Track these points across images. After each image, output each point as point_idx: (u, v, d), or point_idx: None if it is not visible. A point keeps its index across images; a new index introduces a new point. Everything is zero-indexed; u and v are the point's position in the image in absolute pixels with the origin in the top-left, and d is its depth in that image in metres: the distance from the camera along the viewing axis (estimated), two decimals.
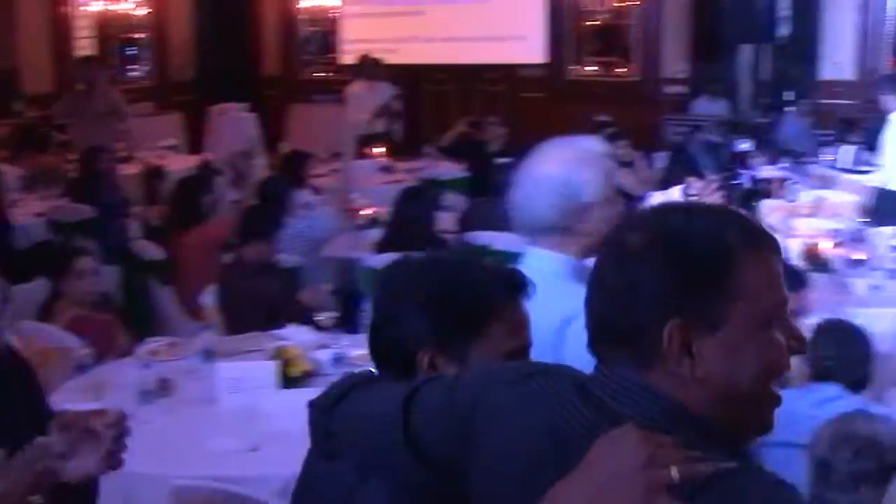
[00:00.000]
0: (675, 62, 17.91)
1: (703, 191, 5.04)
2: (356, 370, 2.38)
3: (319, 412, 2.15)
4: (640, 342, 1.68)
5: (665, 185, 9.81)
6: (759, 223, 1.76)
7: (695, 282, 1.66)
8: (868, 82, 17.07)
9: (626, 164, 10.30)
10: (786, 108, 15.67)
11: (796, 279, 4.48)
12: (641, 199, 9.54)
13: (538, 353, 2.85)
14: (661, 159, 11.77)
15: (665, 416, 1.66)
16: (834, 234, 7.01)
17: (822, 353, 3.96)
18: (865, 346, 4.05)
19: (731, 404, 1.68)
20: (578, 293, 2.87)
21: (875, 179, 8.95)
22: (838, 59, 16.82)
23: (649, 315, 1.67)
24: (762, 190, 4.93)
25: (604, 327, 1.77)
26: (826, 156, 11.22)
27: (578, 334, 2.74)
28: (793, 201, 6.84)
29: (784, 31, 14.76)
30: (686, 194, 5.28)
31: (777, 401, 1.74)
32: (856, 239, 6.87)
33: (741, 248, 1.68)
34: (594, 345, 1.80)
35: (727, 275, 1.65)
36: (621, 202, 2.96)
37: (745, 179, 4.92)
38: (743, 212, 1.79)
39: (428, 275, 2.30)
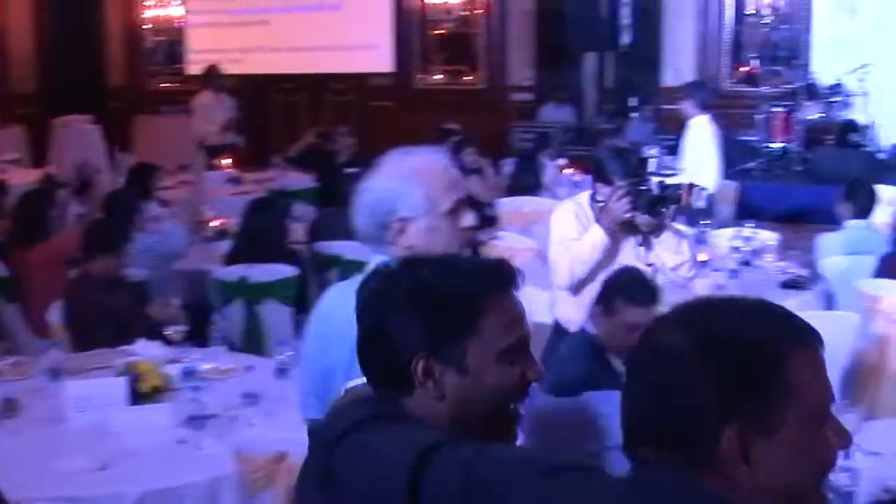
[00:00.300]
0: (520, 70, 18.15)
1: (609, 197, 5.09)
2: (353, 385, 2.28)
3: (321, 445, 2.02)
4: (694, 447, 1.65)
5: (513, 191, 9.96)
6: (800, 318, 1.75)
7: (749, 386, 1.64)
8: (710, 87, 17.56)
9: (475, 172, 10.41)
10: (630, 114, 16.01)
11: (650, 295, 4.57)
12: (491, 206, 9.67)
13: None
14: (509, 166, 11.93)
15: None
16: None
17: None
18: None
19: None
20: None
21: (678, 181, 9.26)
22: (680, 66, 17.24)
23: (704, 421, 1.64)
24: (671, 196, 4.99)
25: (650, 429, 1.71)
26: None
27: None
28: (700, 207, 6.96)
29: (627, 39, 15.06)
30: (594, 200, 5.33)
31: (825, 500, 1.73)
32: (698, 241, 7.04)
33: (790, 347, 1.67)
34: (633, 446, 1.75)
35: (780, 377, 1.64)
36: (464, 213, 2.94)
37: (652, 186, 4.97)
38: (775, 304, 1.77)
39: (409, 278, 2.10)
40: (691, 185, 5.67)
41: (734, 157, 14.91)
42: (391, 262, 2.21)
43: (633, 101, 16.41)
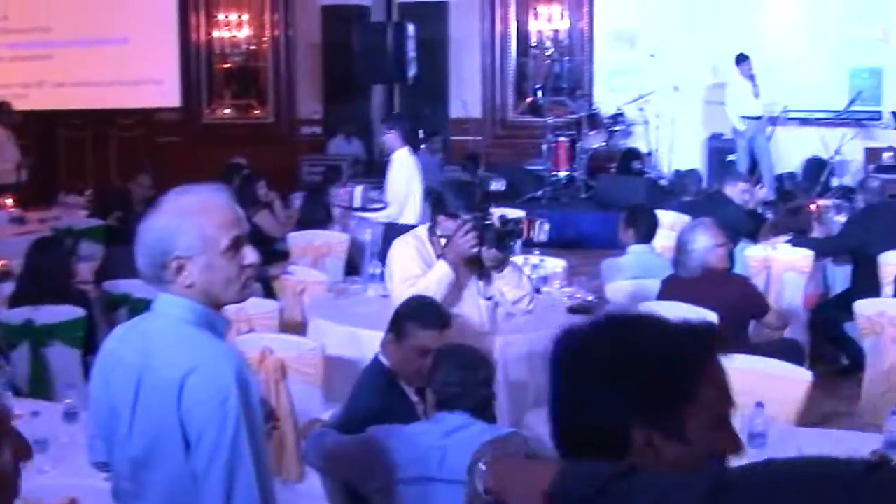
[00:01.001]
0: (309, 103, 18.16)
1: (455, 231, 5.07)
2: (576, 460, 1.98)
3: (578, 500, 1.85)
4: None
5: (303, 225, 9.91)
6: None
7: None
8: (494, 119, 17.91)
9: (265, 206, 10.35)
10: (419, 146, 16.14)
11: (440, 319, 4.60)
12: (282, 240, 9.61)
13: (156, 403, 2.79)
14: (299, 199, 11.87)
15: None
16: None
17: (444, 379, 4.05)
18: (486, 369, 4.16)
19: None
20: (204, 343, 2.84)
21: (382, 216, 9.43)
22: (466, 98, 17.49)
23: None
24: (515, 230, 5.01)
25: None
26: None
27: (195, 388, 2.75)
28: (543, 242, 7.05)
29: (413, 71, 15.21)
30: (433, 234, 5.30)
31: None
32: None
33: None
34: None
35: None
36: (245, 250, 2.91)
37: (495, 219, 4.97)
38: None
39: (614, 341, 1.93)
40: (531, 220, 5.69)
41: (521, 186, 15.23)
42: (585, 323, 2.02)
43: (421, 133, 16.55)
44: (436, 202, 5.43)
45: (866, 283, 8.25)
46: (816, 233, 9.23)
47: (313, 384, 5.76)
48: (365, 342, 5.83)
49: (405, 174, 9.30)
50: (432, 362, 4.18)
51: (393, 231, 9.08)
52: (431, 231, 5.39)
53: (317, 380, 5.76)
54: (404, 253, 5.38)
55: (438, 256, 5.22)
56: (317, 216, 9.97)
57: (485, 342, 5.36)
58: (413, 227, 9.03)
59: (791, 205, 9.54)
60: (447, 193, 5.33)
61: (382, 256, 8.84)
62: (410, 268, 5.27)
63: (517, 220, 5.31)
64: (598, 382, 1.91)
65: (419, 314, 4.61)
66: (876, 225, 8.63)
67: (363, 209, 10.33)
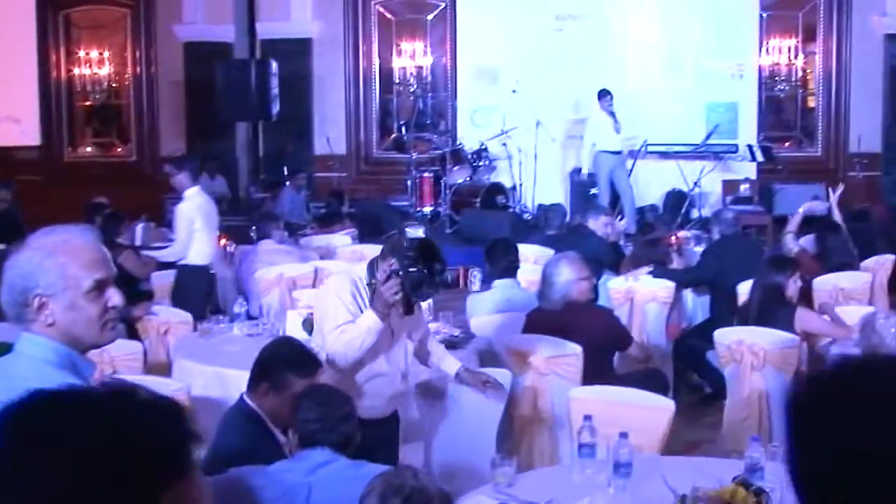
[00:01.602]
0: (172, 141, 17.96)
1: (380, 280, 5.01)
2: None
3: None
4: None
5: (168, 264, 9.74)
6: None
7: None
8: (358, 156, 17.94)
9: (129, 246, 10.15)
10: (284, 183, 16.08)
11: (315, 364, 4.56)
12: (146, 280, 9.44)
13: None
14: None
15: None
16: None
17: (304, 417, 4.03)
18: (346, 406, 4.14)
19: None
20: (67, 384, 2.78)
21: (166, 254, 9.43)
22: (330, 135, 17.48)
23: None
24: (442, 281, 4.96)
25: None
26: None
27: None
28: (477, 291, 6.92)
29: (277, 109, 15.14)
30: (371, 279, 5.23)
31: None
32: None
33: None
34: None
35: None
36: (110, 292, 2.86)
37: (422, 267, 4.91)
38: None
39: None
40: (467, 269, 5.63)
41: (386, 222, 15.22)
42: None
43: (286, 170, 16.50)
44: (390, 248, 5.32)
45: (724, 312, 8.43)
46: (676, 264, 9.42)
47: None
48: (231, 382, 5.76)
49: (191, 214, 9.25)
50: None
51: (184, 273, 9.09)
52: (371, 273, 5.29)
53: None
54: (337, 297, 5.22)
55: (370, 304, 5.12)
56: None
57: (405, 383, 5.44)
58: (202, 267, 9.08)
59: (649, 237, 9.73)
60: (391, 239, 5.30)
61: (175, 299, 8.85)
62: (341, 314, 5.12)
63: (451, 270, 5.23)
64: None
65: (297, 364, 4.57)
66: (730, 255, 8.84)
67: (145, 247, 10.27)
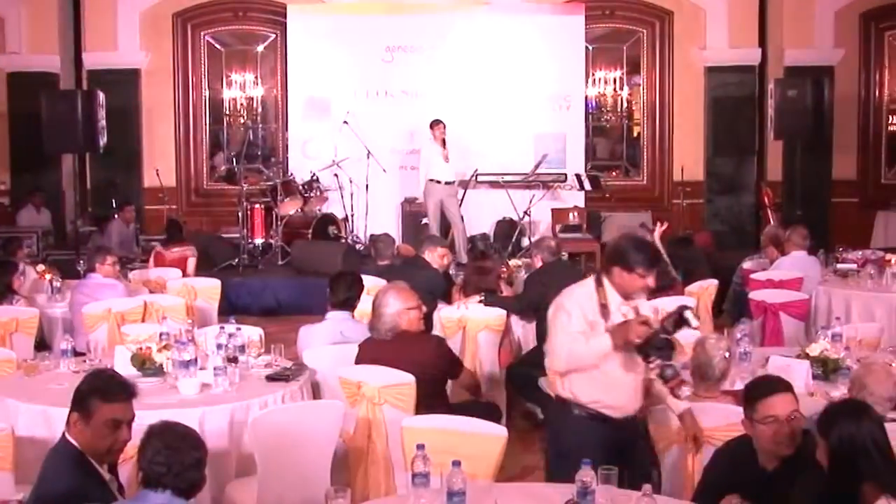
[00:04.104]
0: None
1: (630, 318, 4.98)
2: None
3: None
4: None
5: None
6: None
7: None
8: (189, 187, 17.74)
9: None
10: (113, 216, 15.79)
11: (128, 390, 4.45)
12: None
13: None
14: None
15: None
16: (162, 337, 7.10)
17: (152, 457, 3.92)
18: (197, 451, 4.05)
19: None
20: None
21: None
22: (159, 166, 17.26)
23: None
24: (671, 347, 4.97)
25: None
26: None
27: None
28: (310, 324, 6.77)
29: (104, 140, 14.79)
30: (600, 284, 5.20)
31: None
32: (182, 341, 6.96)
33: None
34: None
35: None
36: None
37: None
38: None
39: None
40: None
41: (217, 254, 15.05)
42: None
43: (114, 203, 16.20)
44: (613, 254, 5.33)
45: None
46: (506, 292, 9.52)
47: (2, 468, 5.48)
48: (57, 420, 5.59)
49: None
50: (144, 437, 4.04)
51: None
52: (598, 282, 5.31)
53: (6, 463, 5.48)
54: (578, 304, 5.30)
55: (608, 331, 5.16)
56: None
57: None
58: None
59: (476, 264, 9.78)
60: (628, 247, 5.26)
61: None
62: (578, 323, 5.22)
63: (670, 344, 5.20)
64: None
65: (101, 388, 4.44)
66: (552, 280, 8.97)
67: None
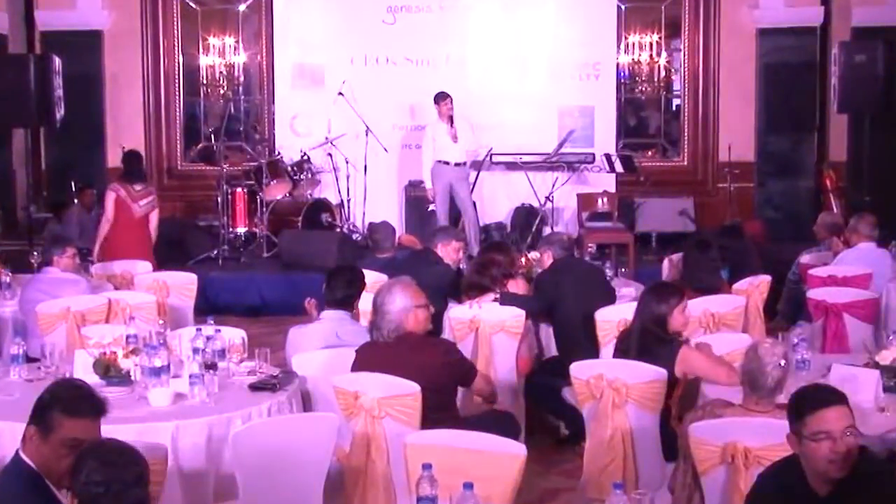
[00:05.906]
0: None
1: None
2: None
3: None
4: None
5: None
6: None
7: None
8: (160, 168, 17.73)
9: None
10: (73, 201, 15.77)
11: (97, 406, 4.45)
12: None
13: None
14: None
15: None
16: (129, 340, 7.10)
17: (87, 479, 3.90)
18: (137, 467, 4.04)
19: None
20: None
21: None
22: (125, 143, 17.19)
23: None
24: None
25: None
26: None
27: None
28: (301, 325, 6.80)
29: (62, 113, 14.75)
30: None
31: None
32: (152, 345, 6.95)
33: None
34: None
35: None
36: None
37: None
38: None
39: None
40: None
41: (193, 245, 15.05)
42: None
43: (73, 186, 16.16)
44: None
45: (570, 342, 8.55)
46: (522, 289, 9.44)
47: None
48: (6, 436, 5.62)
49: None
50: (76, 457, 4.05)
51: None
52: None
53: None
54: None
55: None
56: None
57: None
58: None
59: (478, 259, 9.73)
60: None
61: None
62: None
63: None
64: None
65: (68, 403, 4.44)
66: (565, 279, 8.96)
67: None
